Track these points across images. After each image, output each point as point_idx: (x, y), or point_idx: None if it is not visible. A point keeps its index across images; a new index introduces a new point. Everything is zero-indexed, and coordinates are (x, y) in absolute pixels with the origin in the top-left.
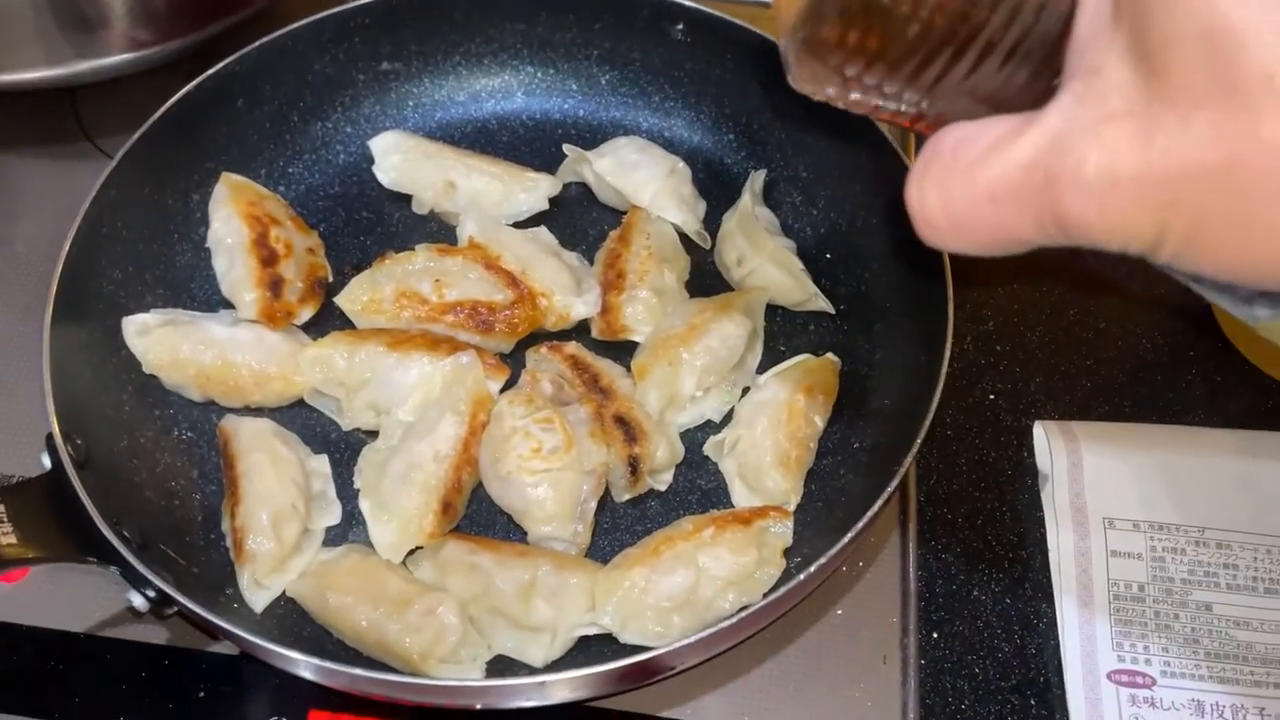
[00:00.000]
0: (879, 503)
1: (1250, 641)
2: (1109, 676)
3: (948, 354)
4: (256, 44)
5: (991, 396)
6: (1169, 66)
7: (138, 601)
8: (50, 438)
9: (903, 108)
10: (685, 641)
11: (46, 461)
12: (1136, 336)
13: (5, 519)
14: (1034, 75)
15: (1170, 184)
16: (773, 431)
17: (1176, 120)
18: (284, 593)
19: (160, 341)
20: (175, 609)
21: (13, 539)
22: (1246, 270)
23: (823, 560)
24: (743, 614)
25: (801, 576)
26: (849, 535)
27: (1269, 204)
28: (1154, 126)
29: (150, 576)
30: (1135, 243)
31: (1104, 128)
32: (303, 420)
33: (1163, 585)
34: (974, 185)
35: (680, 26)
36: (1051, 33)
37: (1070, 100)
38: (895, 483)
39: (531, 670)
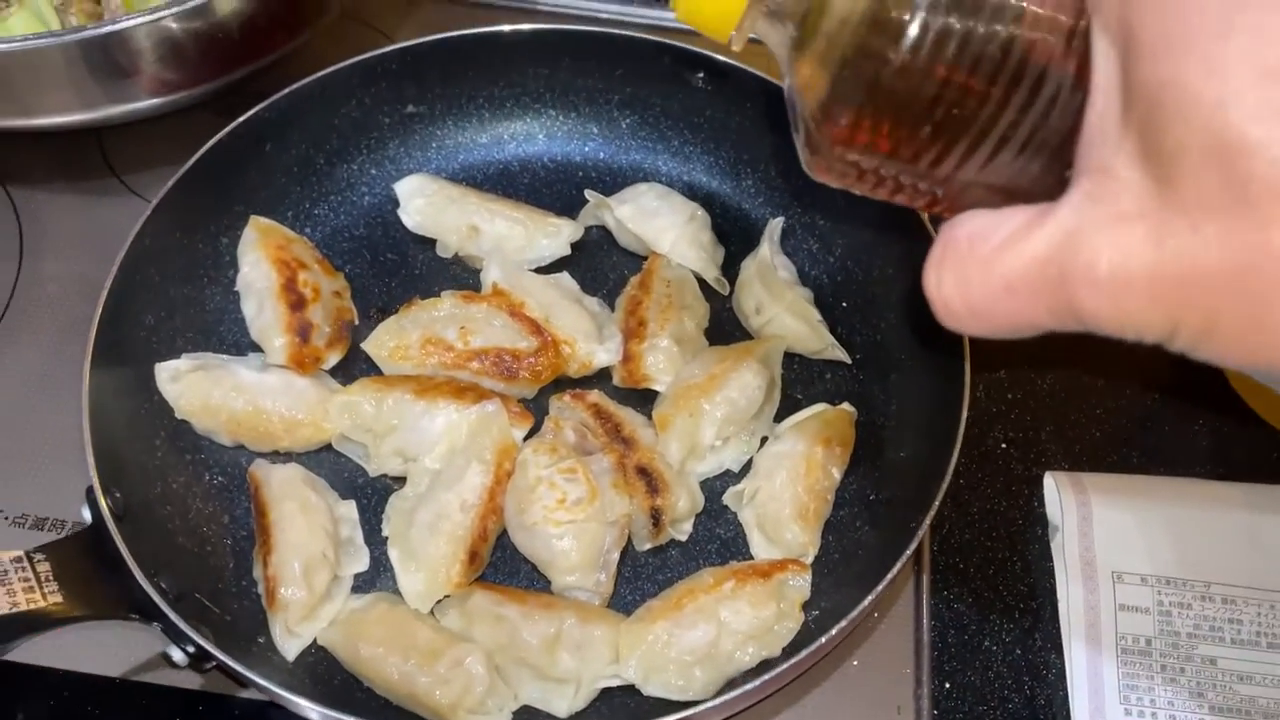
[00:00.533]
0: (897, 566)
1: (1254, 696)
2: None
3: (964, 416)
4: (286, 91)
5: (1003, 445)
6: (1181, 174)
7: (177, 656)
8: (90, 491)
9: (918, 198)
10: (714, 703)
11: (87, 515)
12: (1145, 386)
13: (51, 577)
14: (1047, 167)
15: (1182, 286)
16: (791, 484)
17: (1188, 226)
18: (315, 640)
19: (192, 387)
20: (214, 663)
21: (59, 598)
22: (1259, 365)
23: (843, 624)
24: (764, 677)
25: (823, 639)
26: (869, 599)
27: (1278, 307)
28: (1165, 230)
29: (191, 633)
30: (1149, 335)
31: (1116, 227)
32: (330, 465)
33: (1169, 639)
34: (990, 277)
35: (700, 75)
36: (1063, 127)
37: (1082, 197)
38: (914, 544)
39: None
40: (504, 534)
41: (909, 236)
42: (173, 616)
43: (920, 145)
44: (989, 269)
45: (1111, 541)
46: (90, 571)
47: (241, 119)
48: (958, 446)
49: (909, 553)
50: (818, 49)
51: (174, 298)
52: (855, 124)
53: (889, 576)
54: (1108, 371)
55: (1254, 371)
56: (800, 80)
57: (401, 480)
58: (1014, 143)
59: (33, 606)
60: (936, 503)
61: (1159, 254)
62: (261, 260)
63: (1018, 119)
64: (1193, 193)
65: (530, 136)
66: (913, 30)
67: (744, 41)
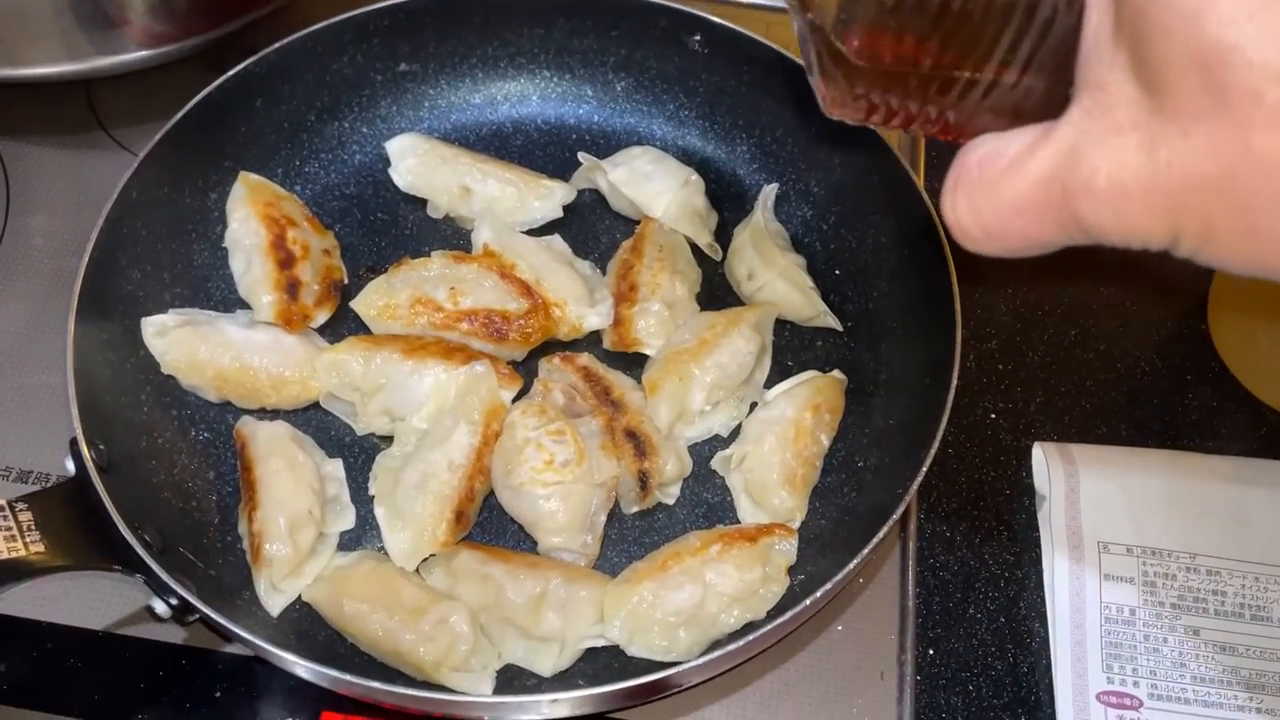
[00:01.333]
0: (883, 530)
1: (1236, 667)
2: (1098, 697)
3: (954, 384)
4: (277, 45)
5: (992, 415)
6: (1167, 83)
7: (160, 609)
8: (74, 442)
9: (930, 125)
10: (692, 664)
11: (70, 466)
12: (1135, 359)
13: (33, 526)
14: (1049, 87)
15: (1176, 194)
16: (780, 449)
17: (1178, 133)
18: (300, 596)
19: (178, 342)
20: (197, 616)
21: (40, 548)
22: (1259, 268)
23: (828, 586)
24: (749, 637)
25: (808, 601)
26: (854, 563)
27: (1267, 212)
28: (1158, 140)
29: (174, 585)
30: (1154, 243)
31: (1112, 140)
32: (317, 423)
33: (1153, 609)
34: (1000, 200)
35: (697, 37)
36: (1061, 47)
37: (1080, 113)
38: (899, 511)
39: (540, 683)
40: (491, 495)
41: (903, 205)
42: (156, 568)
43: (929, 57)
44: (997, 192)
45: (1098, 512)
46: (73, 522)
47: (231, 72)
48: (946, 414)
49: (895, 517)
50: None
51: (161, 252)
52: (868, 42)
53: (874, 541)
54: (1098, 344)
55: (1259, 275)
56: (813, 7)
57: (389, 439)
58: (1016, 64)
59: (13, 555)
60: (924, 469)
61: (1153, 163)
62: (250, 216)
63: (1017, 38)
64: (1180, 100)
65: (524, 97)
66: None
67: None
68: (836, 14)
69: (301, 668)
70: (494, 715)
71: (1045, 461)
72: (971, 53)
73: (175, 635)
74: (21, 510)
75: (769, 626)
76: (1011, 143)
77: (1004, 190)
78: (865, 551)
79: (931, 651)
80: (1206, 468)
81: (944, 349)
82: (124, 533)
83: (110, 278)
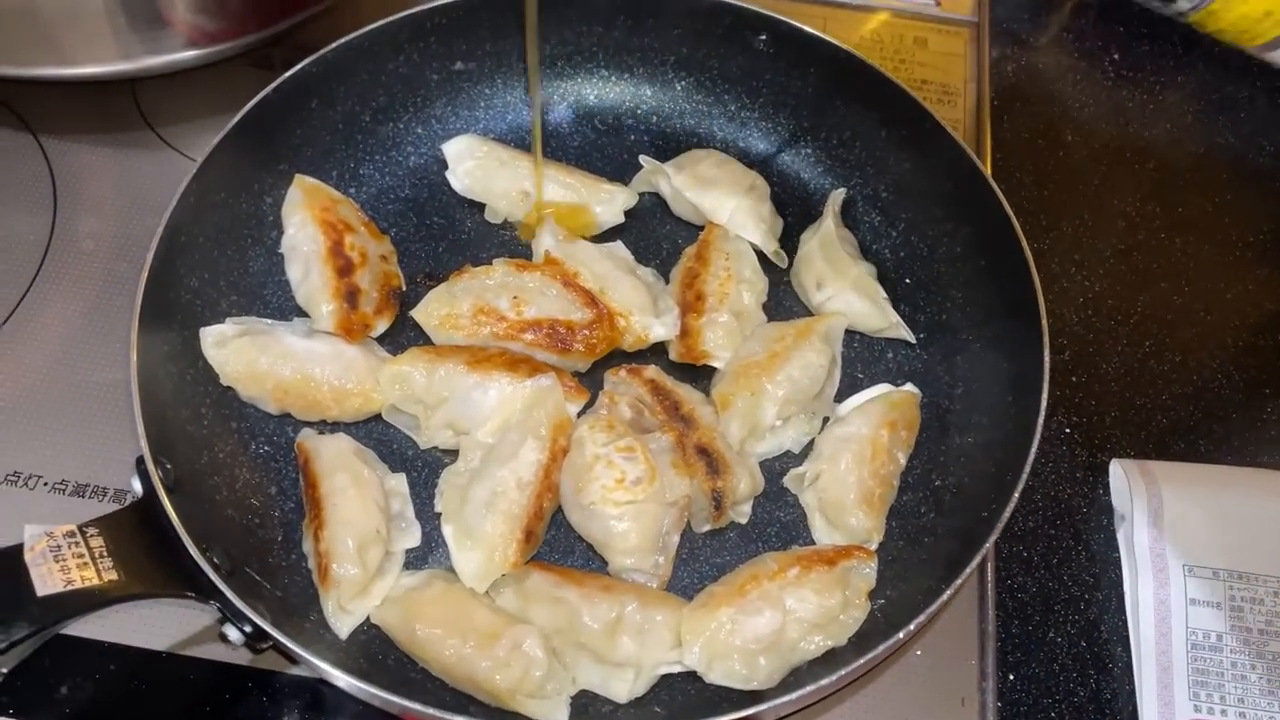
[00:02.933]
0: (977, 558)
1: None
2: None
3: (1044, 405)
4: (334, 45)
5: (1067, 430)
6: None
7: (234, 636)
8: (141, 461)
9: None
10: (787, 697)
11: (138, 486)
12: (1212, 371)
13: (105, 553)
14: None
15: None
16: (856, 468)
17: None
18: (368, 618)
19: (238, 353)
20: (270, 644)
21: (114, 575)
22: None
23: (921, 618)
24: (839, 673)
25: (900, 634)
26: (949, 591)
27: None
28: None
29: (248, 612)
30: None
31: None
32: (378, 436)
33: (1241, 635)
34: None
35: (763, 37)
36: None
37: None
38: (993, 536)
39: (615, 709)
40: (558, 512)
41: (978, 209)
42: (229, 594)
43: None
44: None
45: (1182, 533)
46: (143, 546)
47: (288, 74)
48: (1037, 437)
49: (986, 547)
50: None
51: (218, 260)
52: None
53: (966, 571)
54: (1174, 355)
55: None
56: None
57: (452, 453)
58: None
59: (87, 583)
60: (1015, 496)
61: None
62: (307, 221)
63: None
64: None
65: (581, 98)
66: None
67: None
68: None
69: (374, 696)
70: None
71: (1125, 479)
72: None
73: (240, 656)
74: (93, 535)
75: (857, 663)
76: None
77: None
78: (958, 582)
79: (1012, 677)
80: None
81: (1030, 365)
82: (195, 556)
83: (169, 287)
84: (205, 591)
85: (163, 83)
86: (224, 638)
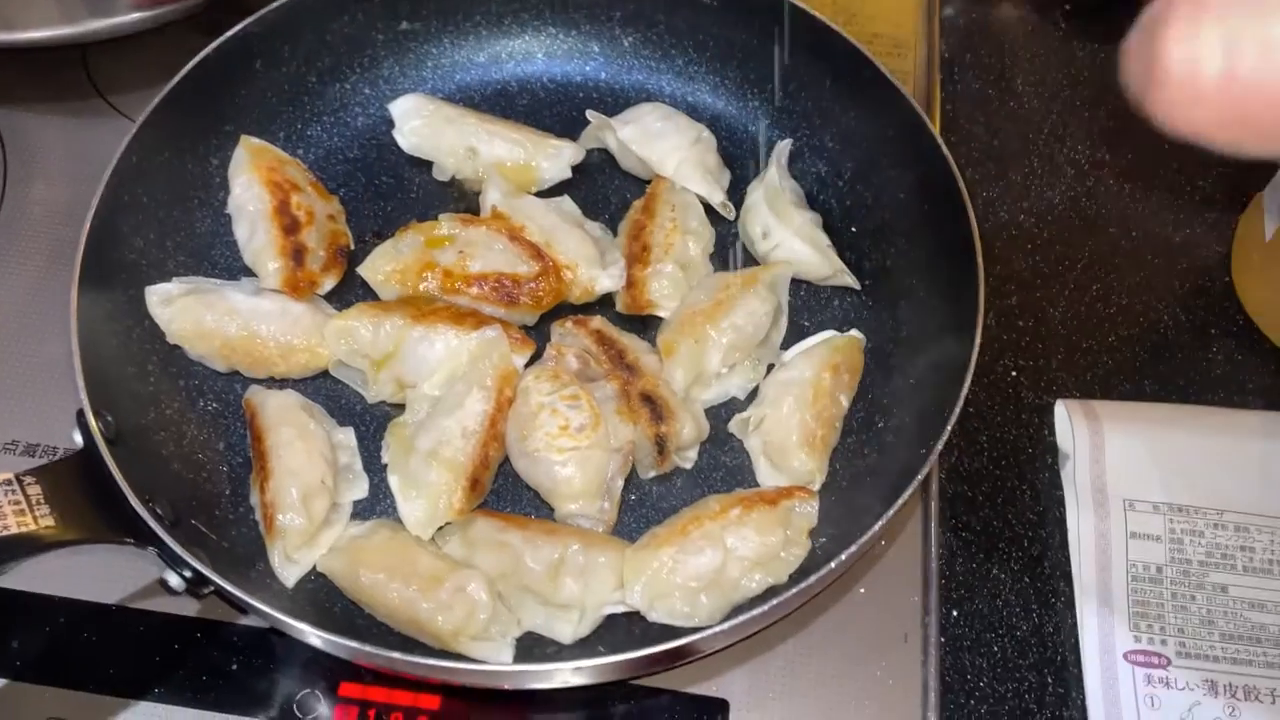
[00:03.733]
0: (908, 492)
1: (1265, 624)
2: (1125, 656)
3: (978, 343)
4: (275, 4)
5: (1013, 373)
6: None
7: (174, 581)
8: (81, 414)
9: None
10: (715, 629)
11: (78, 438)
12: (1158, 313)
13: (42, 500)
14: None
15: None
16: (799, 411)
17: None
18: (314, 567)
19: (184, 311)
20: (211, 589)
21: (50, 520)
22: None
23: (853, 549)
24: (772, 601)
25: (833, 564)
26: (878, 524)
27: None
28: None
29: (187, 557)
30: None
31: None
32: (327, 392)
33: (1180, 567)
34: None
35: None
36: None
37: None
38: (925, 469)
39: (560, 650)
40: (506, 462)
41: (921, 158)
42: (168, 540)
43: None
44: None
45: (1124, 469)
46: (83, 495)
47: (230, 34)
48: (970, 374)
49: (920, 478)
50: None
51: (163, 220)
52: None
53: (899, 502)
54: (1120, 298)
55: None
56: None
57: (400, 407)
58: None
59: (24, 529)
60: (948, 429)
61: None
62: (253, 182)
63: None
64: None
65: (529, 55)
66: None
67: None
68: None
69: (319, 639)
70: (515, 685)
71: (1069, 419)
72: None
73: (189, 608)
74: (30, 484)
75: (792, 591)
76: None
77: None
78: (890, 513)
79: (955, 613)
80: (1232, 423)
81: (966, 306)
82: (135, 505)
83: (112, 246)
84: (145, 538)
85: (113, 50)
86: (164, 584)
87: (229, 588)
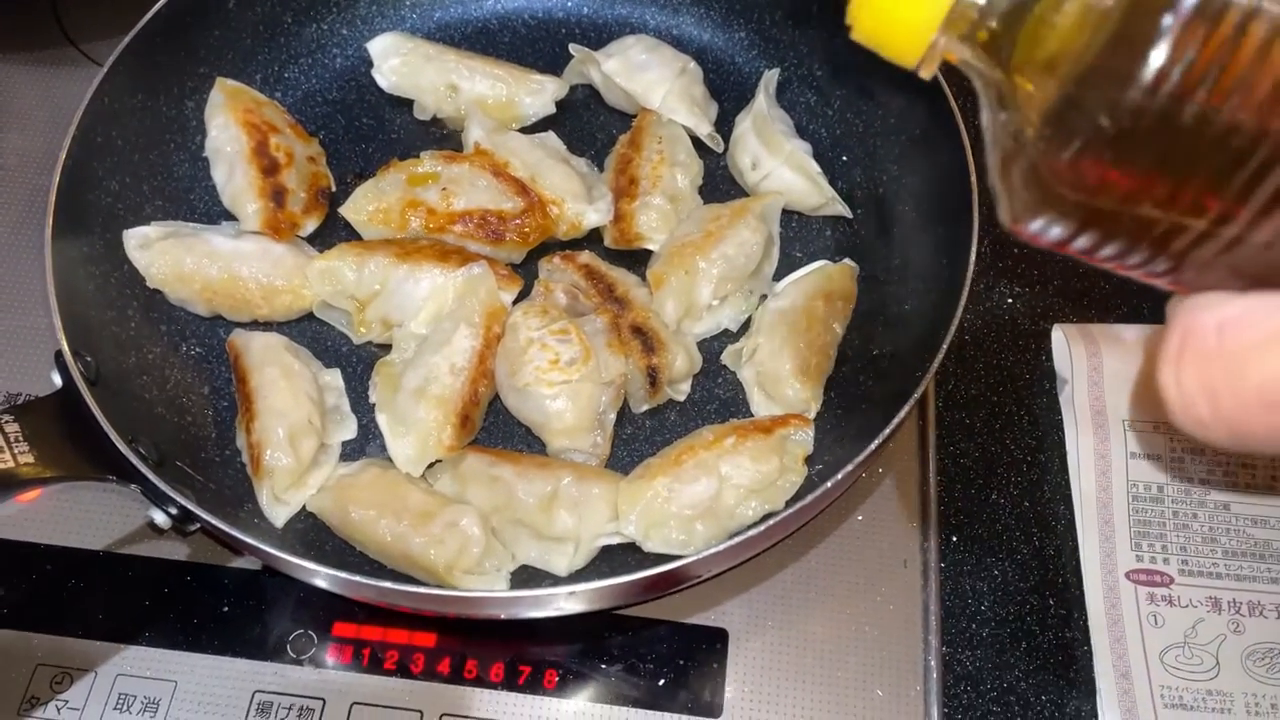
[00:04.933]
0: (903, 411)
1: (1267, 539)
2: (1127, 576)
3: (972, 260)
4: None
5: (1009, 300)
6: None
7: (160, 519)
8: (59, 355)
9: (1148, 267)
10: (711, 551)
11: (57, 379)
12: None
13: (21, 438)
14: None
15: None
16: (792, 340)
17: None
18: (304, 508)
19: (163, 254)
20: (198, 525)
21: (30, 458)
22: None
23: (849, 468)
24: (768, 523)
25: (829, 484)
26: (875, 443)
27: None
28: None
29: (171, 493)
30: None
31: None
32: (313, 334)
33: (1181, 485)
34: (1246, 384)
35: None
36: None
37: None
38: (919, 393)
39: (556, 580)
40: (497, 400)
41: (911, 81)
42: (152, 477)
43: (1157, 197)
44: (1244, 374)
45: (1122, 390)
46: (63, 433)
47: None
48: (964, 297)
49: (914, 399)
50: (1035, 64)
51: (139, 164)
52: (1076, 167)
53: (893, 423)
54: None
55: None
56: (1009, 106)
57: (387, 347)
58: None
59: (2, 466)
60: (942, 351)
61: None
62: (230, 123)
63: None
64: None
65: None
66: (1163, 47)
67: (935, 67)
68: (1039, 126)
69: (311, 572)
70: (511, 614)
71: (1066, 343)
72: (1218, 197)
73: (178, 552)
74: (8, 422)
75: (786, 513)
76: (1267, 312)
77: (1254, 373)
78: (886, 432)
79: (955, 539)
80: None
81: (960, 231)
82: (117, 443)
83: (87, 190)
84: (127, 475)
85: None
86: (150, 523)
87: (216, 522)
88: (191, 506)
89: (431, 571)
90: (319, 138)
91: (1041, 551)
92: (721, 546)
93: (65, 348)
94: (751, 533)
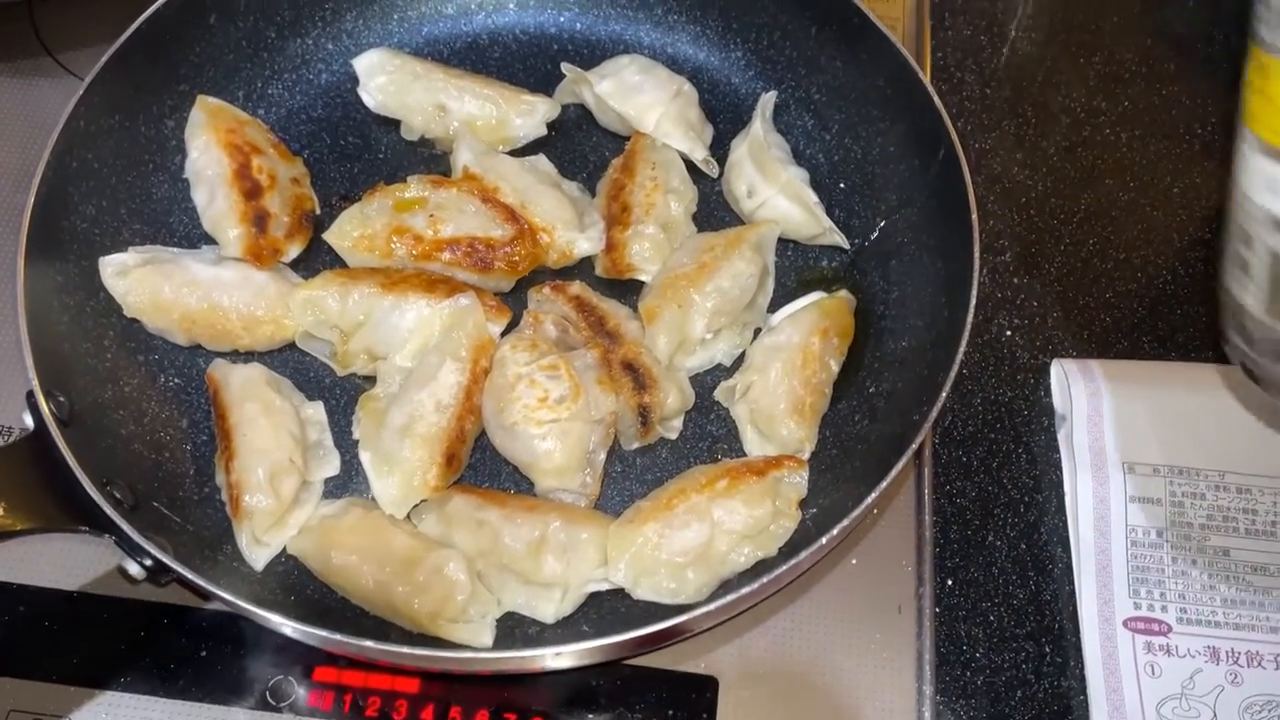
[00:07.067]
0: (900, 464)
1: (1268, 587)
2: (1125, 623)
3: (973, 303)
4: None
5: (1008, 333)
6: None
7: (133, 570)
8: (31, 395)
9: None
10: (701, 611)
11: (29, 420)
12: (1157, 268)
13: None
14: None
15: None
16: (787, 377)
17: None
18: (285, 548)
19: (141, 283)
20: (173, 577)
21: (0, 509)
22: None
23: (845, 522)
24: (763, 579)
25: (823, 540)
26: (873, 495)
27: None
28: None
29: (147, 545)
30: None
31: None
32: (295, 364)
33: (1181, 531)
34: None
35: None
36: None
37: None
38: (916, 444)
39: (543, 630)
40: (484, 435)
41: (912, 109)
42: (126, 527)
43: None
44: None
45: (1123, 431)
46: (35, 481)
47: None
48: (965, 337)
49: (912, 449)
50: None
51: (116, 186)
52: None
53: (891, 474)
54: (1118, 253)
55: None
56: None
57: (371, 380)
58: None
59: None
60: (943, 396)
61: None
62: (211, 144)
63: None
64: None
65: (500, 5)
66: None
67: None
68: None
69: (288, 628)
70: (494, 669)
71: (1065, 379)
72: None
73: (155, 594)
74: None
75: (782, 568)
76: None
77: None
78: (883, 485)
79: (950, 582)
80: (1234, 381)
81: (960, 265)
82: (89, 490)
83: (62, 215)
84: (101, 525)
85: (60, 5)
86: (124, 572)
87: (189, 574)
88: (166, 559)
89: (415, 621)
90: (303, 157)
91: (1038, 596)
92: (713, 605)
93: (37, 388)
94: (744, 590)
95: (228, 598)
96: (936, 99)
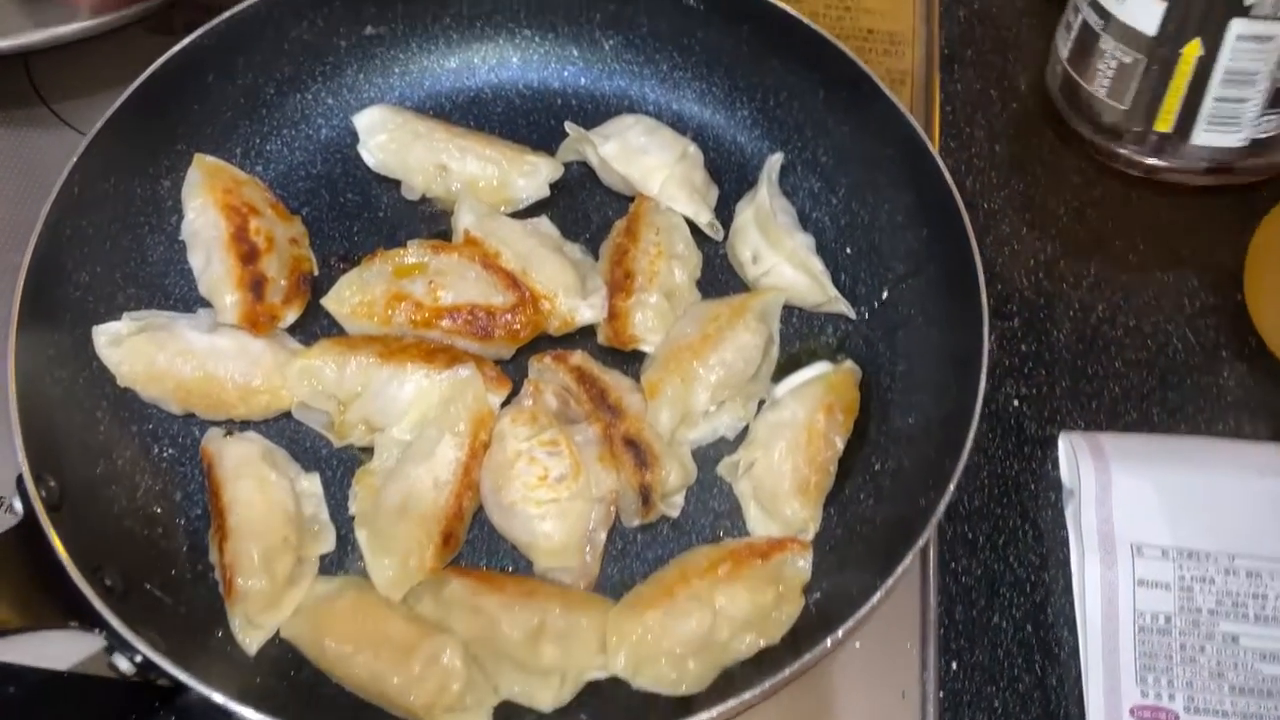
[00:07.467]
0: (908, 559)
1: (1275, 675)
2: (1131, 711)
3: (983, 384)
4: (229, 13)
5: (1015, 403)
6: None
7: (124, 666)
8: (20, 480)
9: None
10: (708, 713)
11: (19, 506)
12: (1167, 335)
13: None
14: None
15: None
16: (791, 455)
17: None
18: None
19: (135, 352)
20: (163, 674)
21: None
22: None
23: (849, 624)
24: (770, 681)
25: (828, 643)
26: (880, 592)
27: None
28: None
29: (137, 643)
30: None
31: None
32: (290, 434)
33: (1190, 616)
34: None
35: None
36: None
37: None
38: (928, 531)
39: (540, 718)
40: (482, 510)
41: (919, 176)
42: (115, 624)
43: None
44: None
45: (1131, 510)
46: (24, 574)
47: (179, 46)
48: (975, 421)
49: (920, 543)
50: None
51: (111, 251)
52: None
53: (899, 570)
54: (1127, 319)
55: None
56: None
57: (369, 451)
58: None
59: None
60: (953, 484)
61: None
62: (208, 206)
63: None
64: None
65: (503, 61)
66: None
67: None
68: None
69: None
70: None
71: (1073, 454)
72: None
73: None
74: None
75: (785, 673)
76: None
77: None
78: (889, 583)
79: (955, 665)
80: (1246, 457)
81: (969, 341)
82: (79, 583)
83: (55, 284)
84: (91, 620)
85: (57, 55)
86: (114, 668)
87: (183, 677)
88: (156, 658)
89: (411, 711)
90: (302, 214)
91: (1044, 681)
92: (715, 711)
93: (27, 472)
94: (748, 695)
95: (219, 699)
96: (946, 173)
